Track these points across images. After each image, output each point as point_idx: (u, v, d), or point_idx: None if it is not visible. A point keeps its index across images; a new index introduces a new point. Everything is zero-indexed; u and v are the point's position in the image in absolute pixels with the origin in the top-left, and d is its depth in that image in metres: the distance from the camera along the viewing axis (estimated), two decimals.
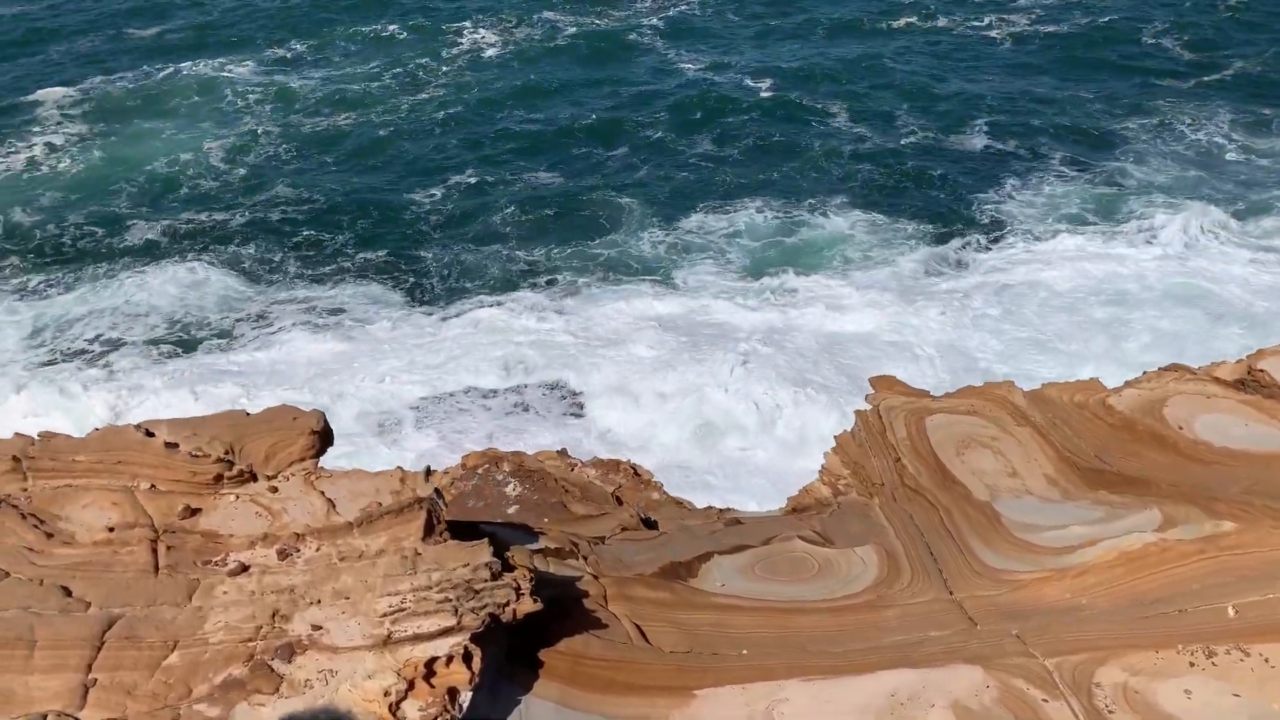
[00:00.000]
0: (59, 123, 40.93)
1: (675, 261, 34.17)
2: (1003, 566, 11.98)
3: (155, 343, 29.16)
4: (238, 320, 30.46)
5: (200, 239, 33.58)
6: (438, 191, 37.91)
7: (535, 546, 11.30)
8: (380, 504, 9.84)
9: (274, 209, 35.68)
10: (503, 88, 45.97)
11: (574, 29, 52.86)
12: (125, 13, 52.53)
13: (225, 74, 45.74)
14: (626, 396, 28.21)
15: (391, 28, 51.19)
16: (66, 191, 35.57)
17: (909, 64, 50.55)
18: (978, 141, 42.39)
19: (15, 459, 9.95)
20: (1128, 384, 17.16)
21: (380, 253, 34.14)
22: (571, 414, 27.90)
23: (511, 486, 17.99)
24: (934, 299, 32.23)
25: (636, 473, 19.26)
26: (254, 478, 10.18)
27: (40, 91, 43.14)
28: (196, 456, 10.18)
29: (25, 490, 9.84)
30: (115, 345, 28.76)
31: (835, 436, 17.17)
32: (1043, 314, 31.53)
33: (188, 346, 29.44)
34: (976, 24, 56.90)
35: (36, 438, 10.32)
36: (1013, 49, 51.95)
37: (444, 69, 47.73)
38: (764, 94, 46.56)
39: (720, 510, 16.23)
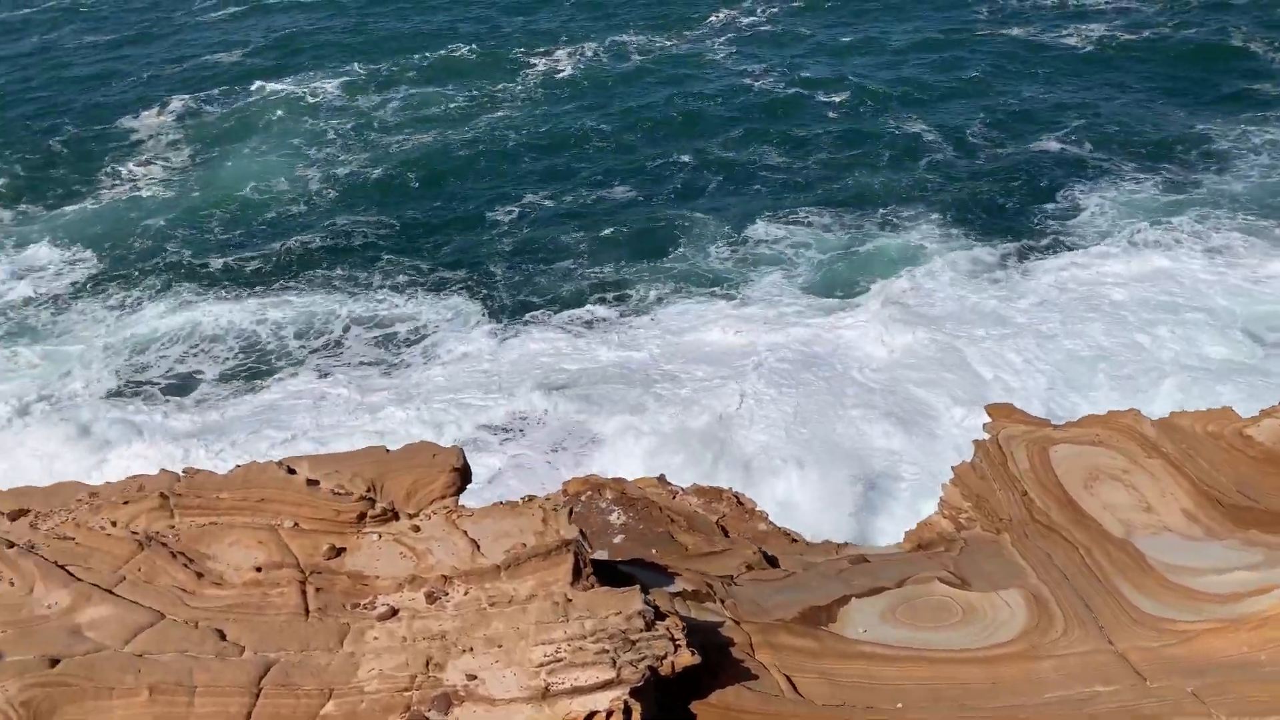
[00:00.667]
0: (154, 148, 42.05)
1: (744, 275, 33.92)
2: (1163, 614, 11.31)
3: (228, 375, 29.36)
4: (311, 349, 30.64)
5: (289, 263, 34.19)
6: (514, 209, 38.09)
7: (673, 589, 10.95)
8: (524, 544, 9.59)
9: (357, 231, 36.12)
10: (575, 107, 46.11)
11: (645, 50, 52.87)
12: (211, 40, 54.02)
13: (309, 98, 46.60)
14: (690, 416, 27.85)
15: (465, 51, 51.67)
16: (164, 216, 36.49)
17: (984, 74, 49.49)
18: (1053, 151, 41.34)
19: (163, 496, 9.92)
20: (1264, 413, 16.28)
21: (459, 272, 34.36)
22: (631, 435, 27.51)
23: (615, 515, 17.70)
24: (1001, 311, 31.61)
25: (740, 501, 18.85)
26: (396, 516, 10.02)
27: (133, 119, 44.50)
28: (339, 494, 10.06)
29: (173, 527, 9.80)
30: (191, 375, 29.14)
31: (953, 468, 16.56)
32: (1110, 330, 30.70)
33: (262, 374, 29.64)
34: (1053, 32, 55.56)
35: (182, 474, 10.29)
36: (1091, 57, 50.59)
37: (518, 89, 48.05)
38: (835, 107, 46.00)
39: (838, 545, 15.74)
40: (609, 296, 32.98)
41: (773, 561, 14.05)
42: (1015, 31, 55.80)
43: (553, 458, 26.74)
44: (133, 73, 48.97)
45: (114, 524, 9.73)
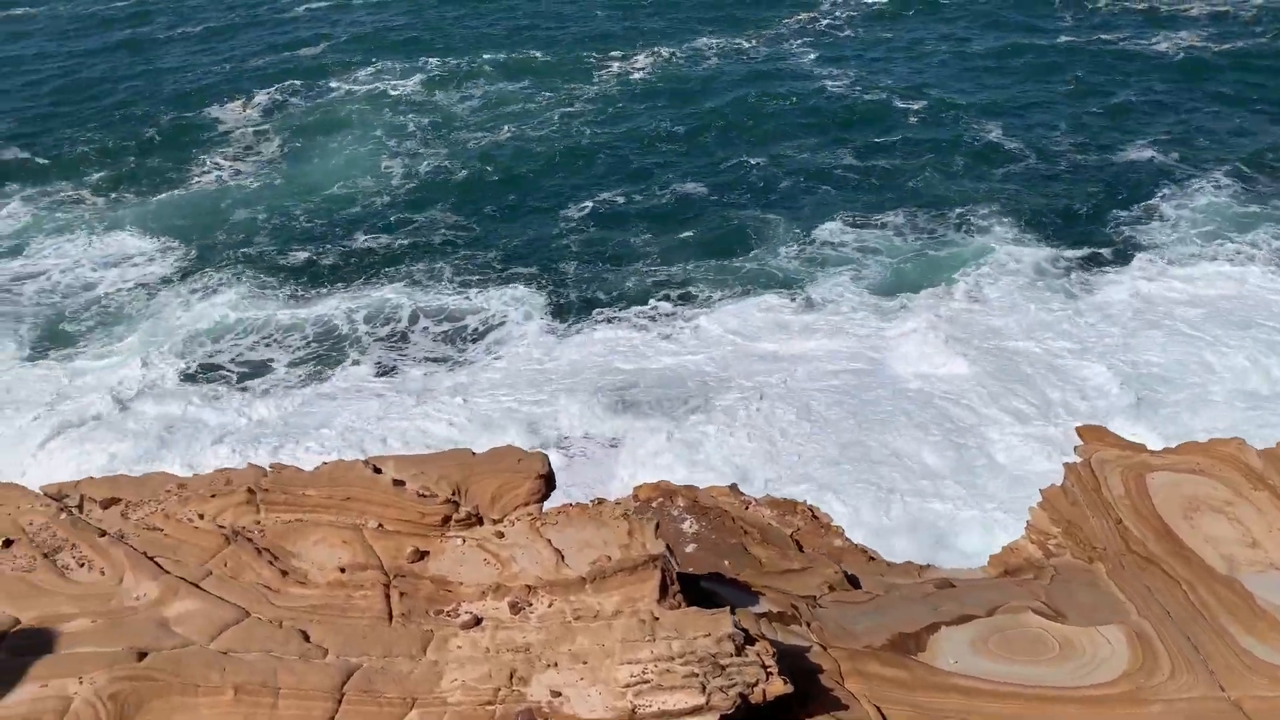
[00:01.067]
0: (241, 139, 42.83)
1: (811, 277, 33.42)
2: (1278, 662, 10.62)
3: (298, 362, 29.78)
4: (379, 339, 30.87)
5: (367, 254, 34.64)
6: (585, 205, 38.07)
7: (758, 609, 10.60)
8: (610, 558, 9.34)
9: (434, 225, 36.40)
10: (649, 106, 45.88)
11: (721, 52, 52.44)
12: (294, 34, 54.98)
13: (390, 93, 47.17)
14: (737, 423, 27.38)
15: (542, 50, 51.80)
16: (249, 206, 37.24)
17: (1069, 81, 48.07)
18: (1137, 161, 40.06)
19: (250, 491, 9.90)
20: None
21: (528, 268, 34.40)
22: (690, 434, 27.18)
23: (688, 524, 17.38)
24: (1068, 325, 30.52)
25: (814, 515, 18.39)
26: (480, 521, 9.85)
27: (220, 110, 45.38)
28: (424, 496, 9.92)
29: (259, 523, 9.77)
30: (263, 363, 29.60)
31: (1042, 491, 15.90)
32: (1175, 342, 29.52)
33: (331, 364, 29.99)
34: (1143, 40, 53.76)
35: (269, 469, 10.26)
36: (1181, 65, 48.76)
37: (594, 88, 48.02)
38: (913, 113, 45.07)
39: (920, 567, 15.19)
40: (673, 295, 32.83)
41: (854, 581, 13.61)
42: (1104, 37, 54.17)
43: (604, 457, 26.49)
44: (219, 65, 50.09)
45: (201, 517, 9.72)
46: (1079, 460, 15.95)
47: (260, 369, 29.50)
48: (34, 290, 32.64)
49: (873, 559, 16.95)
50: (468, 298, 33.12)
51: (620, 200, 38.43)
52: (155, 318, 31.08)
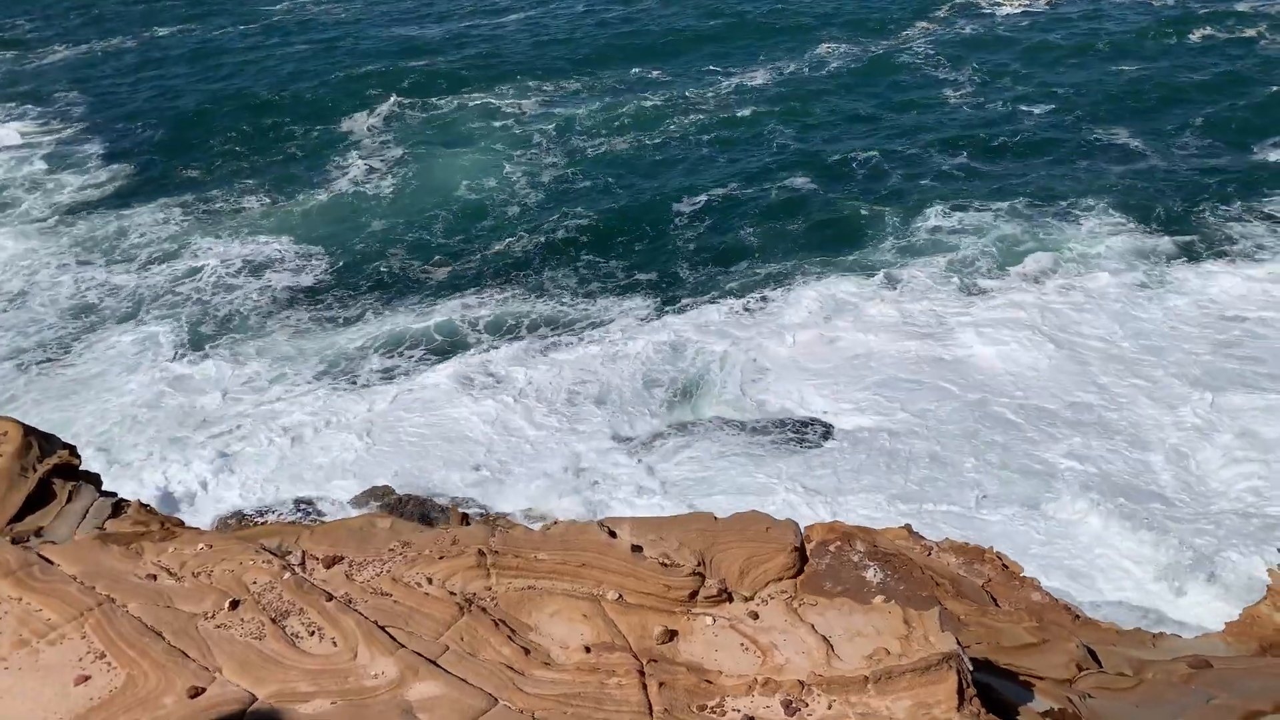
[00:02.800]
0: (370, 149, 43.35)
1: (910, 268, 32.80)
2: None
3: (429, 360, 29.75)
4: (498, 347, 30.56)
5: (493, 261, 34.45)
6: (699, 207, 37.64)
7: (1039, 707, 9.36)
8: (888, 650, 8.23)
9: (559, 230, 36.06)
10: (765, 111, 44.84)
11: (842, 58, 50.87)
12: (409, 47, 55.67)
13: (509, 104, 47.21)
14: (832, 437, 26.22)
15: (659, 70, 51.04)
16: (386, 217, 37.52)
17: (1204, 79, 45.30)
18: (1266, 160, 38.07)
19: (481, 553, 9.09)
20: None
21: (645, 274, 33.98)
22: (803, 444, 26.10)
23: (872, 571, 16.13)
24: (1171, 327, 29.36)
25: (1004, 565, 16.98)
26: (729, 597, 8.86)
27: (349, 121, 46.12)
28: (666, 565, 8.98)
29: (490, 589, 8.96)
30: (391, 369, 29.57)
31: None
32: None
33: (448, 351, 30.02)
34: None
35: (496, 530, 9.45)
36: None
37: (710, 96, 47.11)
38: (1033, 116, 43.11)
39: (1153, 635, 13.67)
40: (774, 292, 32.43)
41: (1090, 653, 12.24)
42: (1248, 33, 50.96)
43: (701, 474, 25.43)
44: (347, 81, 50.90)
45: (430, 580, 8.96)
46: None
47: (385, 373, 29.40)
48: (189, 289, 33.28)
49: (1077, 617, 15.47)
50: (584, 305, 32.72)
51: (733, 198, 38.56)
52: (290, 327, 31.24)
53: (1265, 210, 35.05)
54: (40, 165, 43.50)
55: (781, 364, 29.09)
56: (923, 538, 17.86)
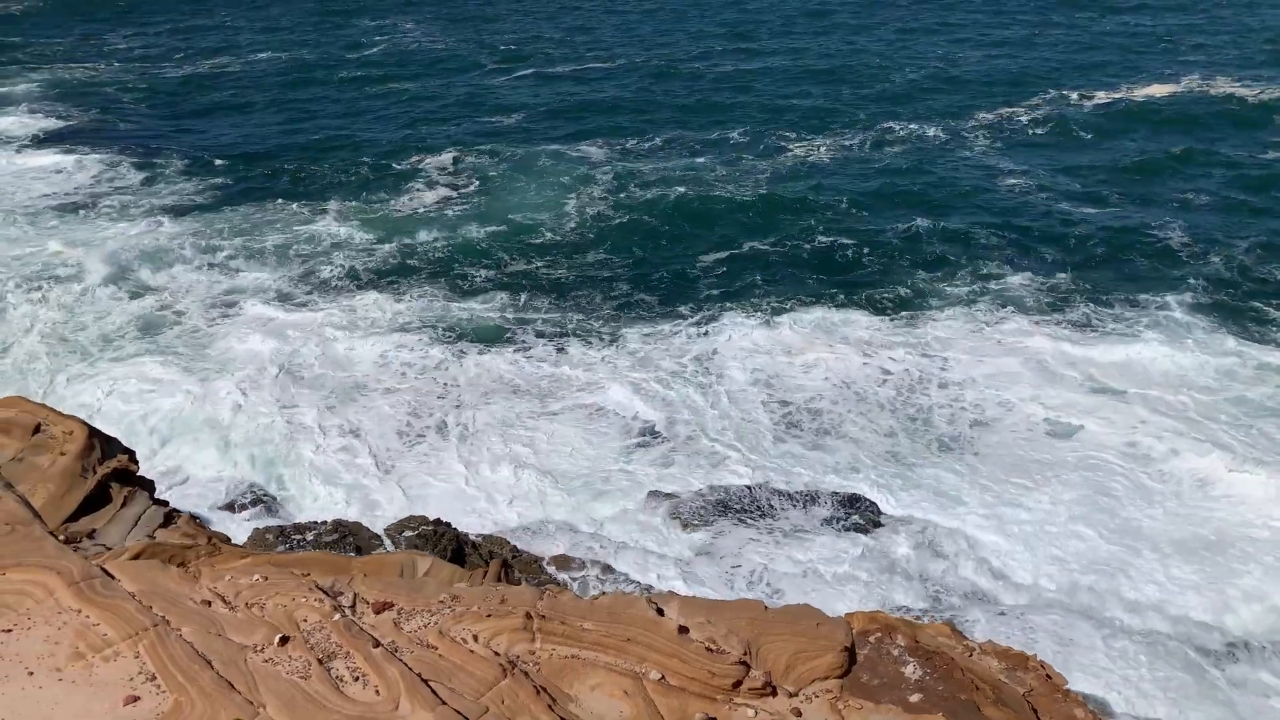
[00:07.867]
0: (444, 185, 45.69)
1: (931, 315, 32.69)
2: None
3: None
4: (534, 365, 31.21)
5: (543, 290, 35.74)
6: (730, 262, 37.94)
7: None
8: None
9: (603, 268, 37.49)
10: (823, 179, 45.15)
11: (905, 139, 51.09)
12: (479, 103, 58.53)
13: (573, 153, 49.28)
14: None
15: (735, 133, 52.08)
16: (440, 248, 39.41)
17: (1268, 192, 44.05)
18: None
19: (528, 615, 9.11)
20: None
21: (681, 305, 34.40)
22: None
23: (911, 668, 15.66)
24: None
25: (1049, 675, 16.47)
26: (773, 691, 8.74)
27: (422, 159, 48.85)
28: (712, 650, 8.90)
29: (534, 653, 8.96)
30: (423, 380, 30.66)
31: None
32: None
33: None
34: None
35: (544, 593, 9.48)
36: None
37: (767, 164, 47.73)
38: (1086, 218, 41.02)
39: None
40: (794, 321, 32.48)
41: None
42: None
43: (740, 533, 24.97)
44: (416, 126, 53.83)
45: (475, 638, 8.99)
46: None
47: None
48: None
49: None
50: (608, 334, 33.03)
51: (775, 257, 38.27)
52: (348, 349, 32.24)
53: None
54: (163, 170, 47.80)
55: None
56: (965, 637, 17.42)
